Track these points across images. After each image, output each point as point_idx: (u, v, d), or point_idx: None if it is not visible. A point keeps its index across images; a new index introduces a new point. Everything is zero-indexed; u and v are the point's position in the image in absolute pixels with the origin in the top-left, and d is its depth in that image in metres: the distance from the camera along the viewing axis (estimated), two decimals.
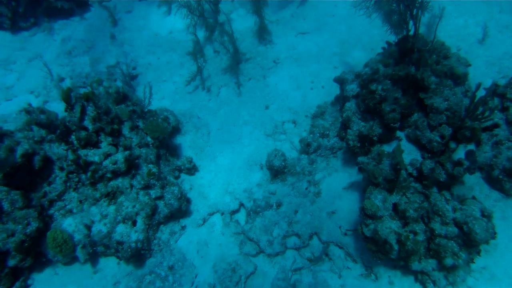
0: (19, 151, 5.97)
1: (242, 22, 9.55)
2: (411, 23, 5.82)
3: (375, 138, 5.73)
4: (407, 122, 5.80)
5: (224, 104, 7.90)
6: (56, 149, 6.33)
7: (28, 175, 6.10)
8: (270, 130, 7.28)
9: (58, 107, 8.97)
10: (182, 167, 6.91)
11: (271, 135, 7.20)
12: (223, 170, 6.98)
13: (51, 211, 6.18)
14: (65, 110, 6.35)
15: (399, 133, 5.90)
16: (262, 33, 8.74)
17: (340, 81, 6.52)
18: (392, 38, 6.40)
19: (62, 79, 9.49)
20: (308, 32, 8.72)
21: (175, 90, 8.42)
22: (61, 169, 6.29)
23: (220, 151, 7.25)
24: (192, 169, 6.95)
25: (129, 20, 10.55)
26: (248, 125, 7.47)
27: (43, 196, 6.19)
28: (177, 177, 6.95)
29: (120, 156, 6.06)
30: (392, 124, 5.59)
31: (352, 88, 6.26)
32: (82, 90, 9.08)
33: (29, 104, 7.20)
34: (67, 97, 6.21)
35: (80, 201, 6.29)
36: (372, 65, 6.06)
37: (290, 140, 7.09)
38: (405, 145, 5.79)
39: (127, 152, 6.08)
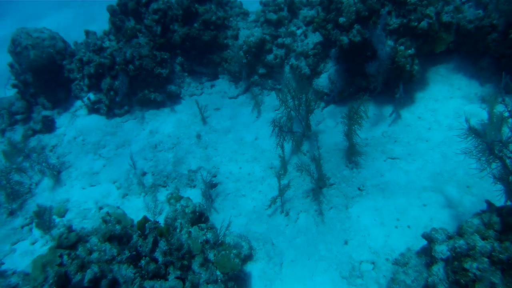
0: (88, 275, 5.87)
1: (329, 136, 9.26)
2: None
3: None
4: None
5: (301, 233, 7.50)
6: (125, 271, 6.19)
7: None
8: (346, 271, 6.74)
9: (135, 203, 9.07)
10: None
11: (346, 278, 6.65)
12: None
13: None
14: (139, 236, 6.25)
15: None
16: (350, 156, 8.36)
17: (429, 238, 5.93)
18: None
19: (144, 173, 9.65)
20: (398, 158, 8.21)
21: (253, 209, 8.18)
22: None
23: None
24: None
25: (217, 119, 10.63)
26: (324, 261, 6.98)
27: None
28: None
29: None
30: None
31: (442, 250, 5.63)
32: (162, 190, 9.11)
33: (107, 213, 7.24)
34: (142, 227, 6.17)
35: None
36: (467, 232, 5.45)
37: (366, 286, 6.52)
38: None
39: None
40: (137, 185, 9.40)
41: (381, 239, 7.03)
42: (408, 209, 7.29)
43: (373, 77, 8.79)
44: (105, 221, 7.10)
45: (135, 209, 8.95)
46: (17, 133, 11.99)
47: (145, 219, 6.26)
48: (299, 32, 10.88)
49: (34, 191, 10.24)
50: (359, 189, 7.92)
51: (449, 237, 5.69)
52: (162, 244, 6.06)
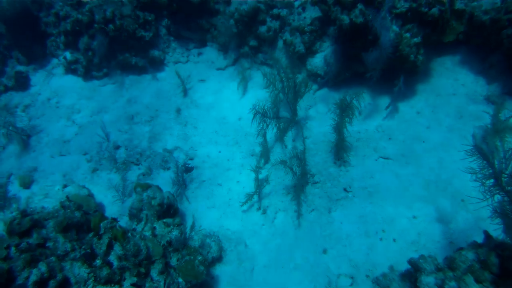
0: (33, 276, 5.26)
1: (319, 124, 8.53)
2: None
3: None
4: None
5: (277, 236, 6.89)
6: (78, 270, 5.61)
7: None
8: (321, 285, 6.16)
9: (105, 180, 8.49)
10: None
11: None
12: None
13: None
14: (93, 237, 5.61)
15: None
16: (339, 151, 7.65)
17: (415, 266, 5.33)
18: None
19: (117, 147, 9.01)
20: (391, 158, 7.52)
21: (228, 201, 7.52)
22: None
23: None
24: None
25: (200, 92, 9.83)
26: (299, 271, 6.40)
27: None
28: None
29: None
30: None
31: (429, 282, 5.04)
32: (134, 168, 8.48)
33: (67, 197, 6.65)
34: (96, 226, 5.53)
35: None
36: (459, 268, 4.85)
37: None
38: None
39: None
40: (108, 159, 8.70)
41: (363, 251, 6.44)
42: (396, 219, 6.67)
43: (372, 65, 7.97)
44: (63, 207, 6.48)
45: (104, 187, 8.27)
46: None
47: (100, 218, 5.60)
48: (297, 3, 9.91)
49: (0, 156, 9.53)
50: (345, 190, 7.26)
51: (439, 269, 5.08)
52: (118, 249, 5.43)
